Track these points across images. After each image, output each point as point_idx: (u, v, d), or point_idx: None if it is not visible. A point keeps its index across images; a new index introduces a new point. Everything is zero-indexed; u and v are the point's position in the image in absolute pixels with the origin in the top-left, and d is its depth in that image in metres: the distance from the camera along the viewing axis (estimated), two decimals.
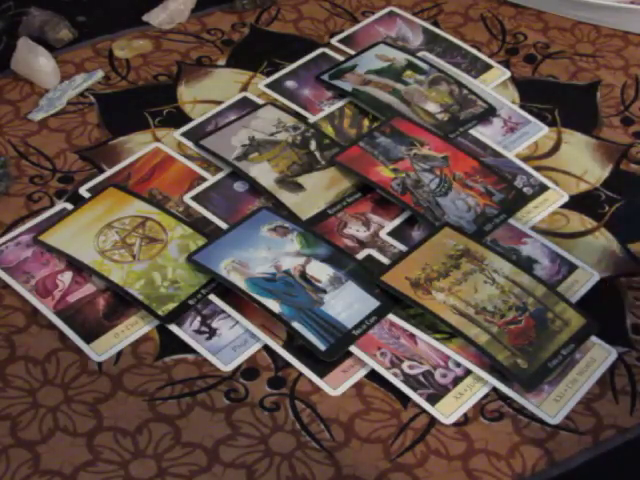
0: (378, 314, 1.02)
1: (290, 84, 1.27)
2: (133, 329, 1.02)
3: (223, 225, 1.10)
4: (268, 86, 1.27)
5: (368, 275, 1.04)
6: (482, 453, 0.94)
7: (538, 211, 1.14)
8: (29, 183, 1.16)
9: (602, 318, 1.02)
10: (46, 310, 1.02)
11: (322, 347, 0.98)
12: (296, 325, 0.99)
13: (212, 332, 1.01)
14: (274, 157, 1.16)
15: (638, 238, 1.12)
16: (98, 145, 1.20)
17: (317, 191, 1.13)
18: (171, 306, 1.02)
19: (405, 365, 0.99)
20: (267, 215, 1.10)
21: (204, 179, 1.16)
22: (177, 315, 1.02)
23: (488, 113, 1.24)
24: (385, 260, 1.08)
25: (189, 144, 1.19)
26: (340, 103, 1.25)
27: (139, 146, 1.19)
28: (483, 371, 0.98)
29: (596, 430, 0.96)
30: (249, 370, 0.99)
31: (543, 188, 1.16)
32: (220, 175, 1.16)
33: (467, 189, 1.13)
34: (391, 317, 1.02)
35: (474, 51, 1.33)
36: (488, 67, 1.31)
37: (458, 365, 0.99)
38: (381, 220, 1.12)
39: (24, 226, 1.10)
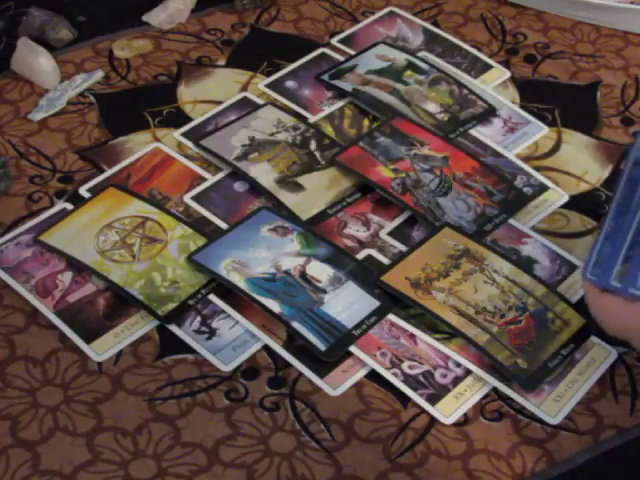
0: (378, 314, 1.02)
1: (290, 84, 1.27)
2: (133, 329, 1.02)
3: (223, 225, 1.10)
4: (268, 86, 1.27)
5: (368, 275, 1.04)
6: (482, 453, 0.94)
7: (538, 211, 1.14)
8: (29, 183, 1.16)
9: None
10: (46, 310, 1.02)
11: (322, 347, 0.98)
12: (296, 325, 0.99)
13: (212, 332, 1.01)
14: (274, 157, 1.16)
15: None
16: (98, 145, 1.20)
17: (317, 191, 1.13)
18: (171, 306, 1.02)
19: (405, 365, 0.99)
20: (267, 215, 1.10)
21: (204, 179, 1.16)
22: (177, 315, 1.02)
23: (488, 113, 1.23)
24: (385, 260, 1.08)
25: (189, 144, 1.19)
26: (340, 103, 1.25)
27: (139, 146, 1.19)
28: (483, 371, 0.98)
29: (596, 430, 0.96)
30: (249, 370, 0.99)
31: (543, 188, 1.16)
32: (220, 175, 1.16)
33: (467, 189, 1.13)
34: (391, 317, 1.02)
35: (474, 51, 1.33)
36: (488, 67, 1.31)
37: (458, 365, 0.99)
38: (381, 220, 1.12)
39: (24, 226, 1.10)
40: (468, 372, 0.99)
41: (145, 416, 0.96)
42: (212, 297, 1.03)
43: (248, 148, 1.17)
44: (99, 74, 1.28)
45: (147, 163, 1.17)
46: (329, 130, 1.21)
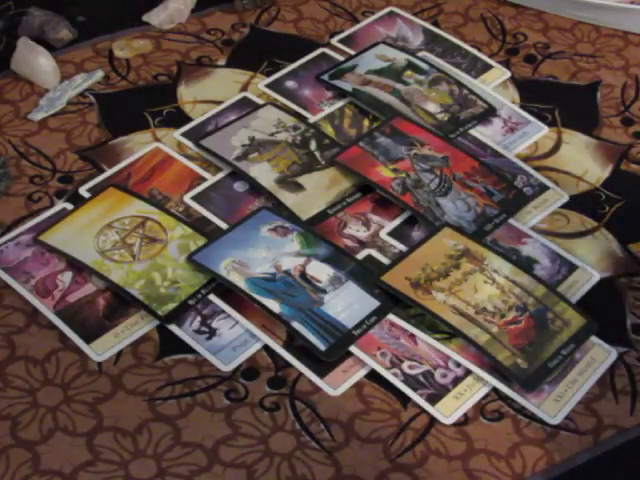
0: (378, 314, 1.02)
1: (290, 84, 1.27)
2: (133, 329, 1.02)
3: (223, 225, 1.10)
4: (268, 86, 1.27)
5: (368, 275, 1.04)
6: (482, 453, 0.94)
7: (538, 211, 1.14)
8: (29, 183, 1.16)
9: (602, 318, 1.02)
10: (46, 310, 1.02)
11: (322, 347, 0.98)
12: (296, 325, 0.99)
13: (212, 332, 1.01)
14: (274, 157, 1.16)
15: (638, 238, 1.12)
16: (98, 145, 1.20)
17: (317, 191, 1.13)
18: (171, 306, 1.02)
19: (405, 365, 0.99)
20: (267, 215, 1.10)
21: (204, 179, 1.16)
22: (177, 315, 1.02)
23: (488, 113, 1.24)
24: (385, 260, 1.08)
25: (189, 144, 1.19)
26: (340, 103, 1.25)
27: (139, 146, 1.19)
28: (483, 371, 0.98)
29: (596, 430, 0.96)
30: (249, 370, 0.99)
31: (543, 188, 1.16)
32: (220, 175, 1.16)
33: (467, 189, 1.13)
34: (391, 317, 1.02)
35: (474, 51, 1.33)
36: (488, 67, 1.31)
37: (458, 365, 0.99)
38: (381, 220, 1.12)
39: (24, 226, 1.10)
40: (468, 372, 0.99)
41: (145, 416, 0.96)
42: (212, 297, 1.03)
43: (248, 148, 1.17)
44: (99, 74, 1.28)
45: (147, 163, 1.17)
46: (329, 130, 1.21)
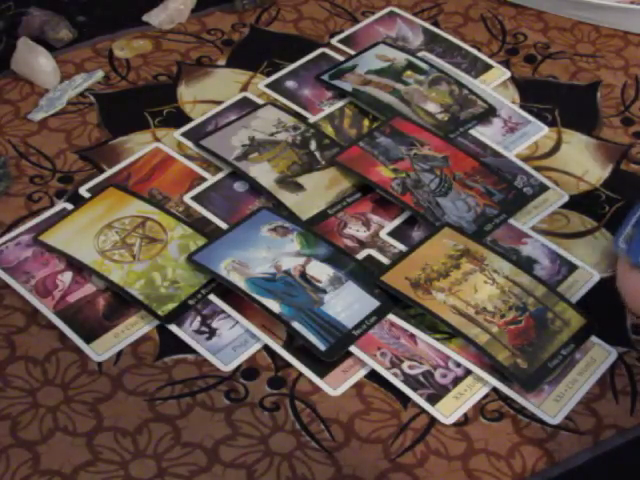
0: (378, 314, 1.01)
1: (290, 84, 1.27)
2: (133, 329, 1.02)
3: (223, 225, 1.10)
4: (268, 86, 1.27)
5: (368, 275, 1.04)
6: (482, 453, 0.94)
7: (538, 211, 1.14)
8: (29, 183, 1.16)
9: (602, 318, 1.02)
10: (46, 310, 1.02)
11: (322, 347, 0.98)
12: (296, 325, 0.99)
13: (212, 332, 1.01)
14: (274, 157, 1.16)
15: None
16: (98, 145, 1.20)
17: (317, 191, 1.13)
18: (171, 306, 1.02)
19: (405, 365, 0.99)
20: (267, 215, 1.10)
21: (204, 179, 1.16)
22: (177, 315, 1.02)
23: (488, 113, 1.24)
24: (385, 260, 1.08)
25: (189, 144, 1.19)
26: (340, 103, 1.25)
27: (139, 146, 1.19)
28: (483, 371, 0.98)
29: (596, 430, 0.96)
30: (249, 370, 0.99)
31: (543, 188, 1.16)
32: (220, 175, 1.16)
33: (467, 189, 1.13)
34: (391, 317, 1.02)
35: (474, 51, 1.33)
36: (488, 67, 1.31)
37: (458, 365, 0.99)
38: (381, 220, 1.12)
39: (24, 226, 1.10)
40: (468, 372, 0.99)
41: (145, 416, 0.96)
42: (212, 297, 1.03)
43: (248, 148, 1.17)
44: (99, 74, 1.28)
45: (147, 163, 1.17)
46: (329, 130, 1.21)
